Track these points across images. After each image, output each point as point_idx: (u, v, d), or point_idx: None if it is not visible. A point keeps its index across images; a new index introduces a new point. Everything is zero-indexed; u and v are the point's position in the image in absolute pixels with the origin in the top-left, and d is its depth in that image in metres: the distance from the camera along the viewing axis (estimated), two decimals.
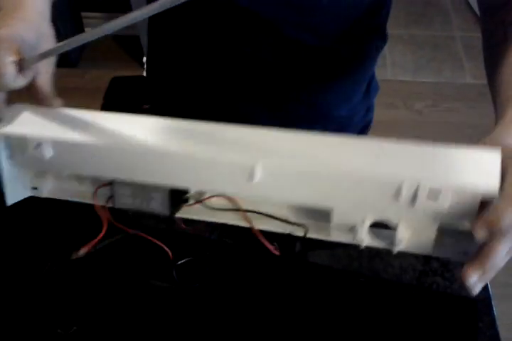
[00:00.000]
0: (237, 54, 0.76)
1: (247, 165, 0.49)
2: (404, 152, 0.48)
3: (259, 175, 0.49)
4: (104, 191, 0.59)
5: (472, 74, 2.15)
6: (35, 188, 0.61)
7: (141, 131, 0.53)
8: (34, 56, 0.54)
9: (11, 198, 0.60)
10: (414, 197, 0.46)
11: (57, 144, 0.54)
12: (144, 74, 1.06)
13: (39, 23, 0.58)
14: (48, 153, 0.55)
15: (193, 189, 0.57)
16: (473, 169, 0.45)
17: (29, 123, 0.56)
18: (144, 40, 2.01)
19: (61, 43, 0.53)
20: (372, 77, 0.90)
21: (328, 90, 0.81)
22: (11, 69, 0.52)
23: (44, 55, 0.54)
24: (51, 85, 0.58)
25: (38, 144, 0.54)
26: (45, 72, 0.58)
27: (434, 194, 0.45)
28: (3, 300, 0.61)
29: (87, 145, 0.53)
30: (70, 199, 0.61)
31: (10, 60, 0.52)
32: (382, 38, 0.81)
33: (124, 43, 2.29)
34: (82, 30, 2.24)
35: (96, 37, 0.48)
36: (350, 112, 0.87)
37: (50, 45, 0.58)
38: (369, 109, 0.94)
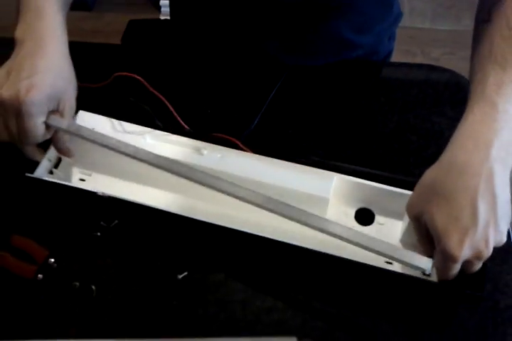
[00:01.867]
0: None
1: None
2: None
3: None
4: None
5: None
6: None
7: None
8: (58, 119, 0.64)
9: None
10: None
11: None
12: (161, 17, 1.07)
13: (62, 67, 0.65)
14: None
15: None
16: None
17: None
18: None
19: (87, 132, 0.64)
20: (396, 4, 0.90)
21: (349, 20, 0.82)
22: (41, 130, 0.63)
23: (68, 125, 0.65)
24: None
25: None
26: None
27: None
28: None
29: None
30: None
31: (41, 121, 0.62)
32: None
33: None
34: None
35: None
36: (373, 40, 0.89)
37: (73, 85, 0.66)
38: (391, 38, 0.96)
